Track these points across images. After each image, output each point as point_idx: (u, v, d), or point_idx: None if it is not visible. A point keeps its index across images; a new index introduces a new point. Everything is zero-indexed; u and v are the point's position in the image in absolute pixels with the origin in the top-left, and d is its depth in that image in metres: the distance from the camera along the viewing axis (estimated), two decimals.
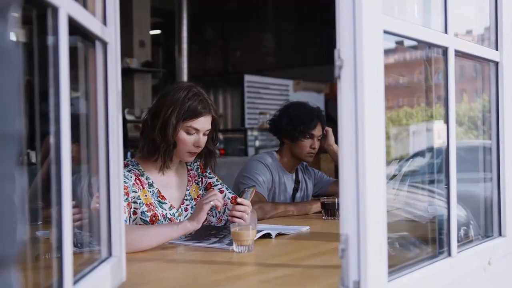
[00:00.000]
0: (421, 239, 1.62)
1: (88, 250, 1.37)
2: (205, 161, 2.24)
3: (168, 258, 1.76)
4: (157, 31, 9.23)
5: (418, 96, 1.92)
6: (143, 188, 2.08)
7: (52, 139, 0.95)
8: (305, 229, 2.24)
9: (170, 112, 2.03)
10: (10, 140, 0.51)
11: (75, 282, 1.03)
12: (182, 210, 2.17)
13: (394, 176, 1.87)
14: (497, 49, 1.70)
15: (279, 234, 2.08)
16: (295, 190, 3.00)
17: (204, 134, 2.11)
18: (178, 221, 2.12)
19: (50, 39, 0.95)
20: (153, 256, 1.80)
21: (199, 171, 2.29)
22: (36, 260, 1.16)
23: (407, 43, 1.48)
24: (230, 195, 2.27)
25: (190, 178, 2.25)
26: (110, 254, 1.30)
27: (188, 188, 2.23)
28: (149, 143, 2.09)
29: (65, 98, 0.95)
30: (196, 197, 2.24)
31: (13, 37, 0.54)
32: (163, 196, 2.12)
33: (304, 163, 3.06)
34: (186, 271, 1.62)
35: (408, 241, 1.57)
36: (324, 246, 1.92)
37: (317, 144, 2.89)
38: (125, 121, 4.39)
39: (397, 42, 1.37)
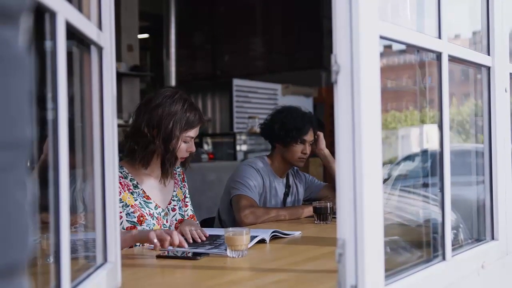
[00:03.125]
0: (414, 243, 1.62)
1: (81, 256, 1.35)
2: (184, 160, 2.27)
3: (163, 264, 1.75)
4: (145, 35, 9.20)
5: (407, 100, 1.93)
6: (128, 189, 2.13)
7: (49, 144, 0.94)
8: (297, 234, 2.24)
9: (172, 125, 2.11)
10: (21, 146, 0.51)
11: None
12: (169, 210, 2.24)
13: (385, 180, 1.87)
14: (489, 54, 1.72)
15: (273, 237, 2.08)
16: (286, 194, 3.00)
17: (194, 140, 2.22)
18: (165, 220, 2.20)
19: (47, 44, 0.94)
20: (148, 262, 1.79)
21: (180, 178, 2.38)
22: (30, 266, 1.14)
23: (396, 47, 1.48)
24: (190, 213, 2.36)
25: (176, 181, 2.34)
26: (105, 260, 1.29)
27: (175, 189, 2.31)
28: (149, 154, 2.13)
29: (62, 103, 0.94)
30: (181, 199, 2.33)
31: (23, 43, 0.54)
32: (148, 196, 2.18)
33: (295, 167, 3.06)
34: (181, 277, 1.61)
35: (401, 245, 1.57)
36: (317, 251, 1.92)
37: (308, 149, 2.89)
38: None
39: (385, 46, 1.37)
